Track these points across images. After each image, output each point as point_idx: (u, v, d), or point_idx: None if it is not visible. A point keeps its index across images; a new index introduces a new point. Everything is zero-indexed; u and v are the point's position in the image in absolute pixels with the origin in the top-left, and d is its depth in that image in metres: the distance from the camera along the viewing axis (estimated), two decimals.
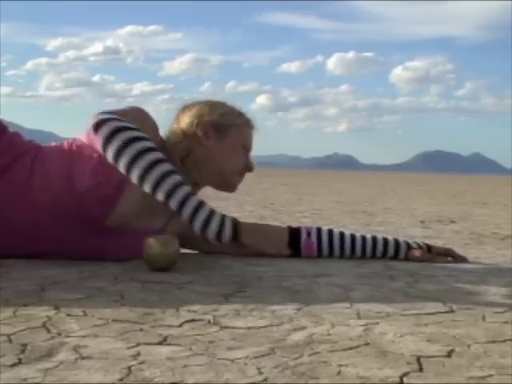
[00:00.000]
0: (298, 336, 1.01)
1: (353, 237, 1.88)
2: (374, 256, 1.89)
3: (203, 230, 1.48)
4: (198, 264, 1.74)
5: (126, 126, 1.53)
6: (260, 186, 9.17)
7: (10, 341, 0.94)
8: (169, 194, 1.48)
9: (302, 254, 1.82)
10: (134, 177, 1.52)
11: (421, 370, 0.86)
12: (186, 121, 1.77)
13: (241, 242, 1.52)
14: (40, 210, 1.61)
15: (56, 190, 1.60)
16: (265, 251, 1.53)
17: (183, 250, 1.82)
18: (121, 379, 0.78)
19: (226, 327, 1.06)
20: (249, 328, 1.06)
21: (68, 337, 0.97)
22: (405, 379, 0.82)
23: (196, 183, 1.75)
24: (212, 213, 1.51)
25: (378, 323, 1.11)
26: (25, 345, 0.92)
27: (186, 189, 1.49)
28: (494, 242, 2.61)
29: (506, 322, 1.15)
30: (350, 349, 0.95)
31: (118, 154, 1.50)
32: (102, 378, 0.79)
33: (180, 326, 1.06)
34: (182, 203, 1.48)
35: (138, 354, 0.89)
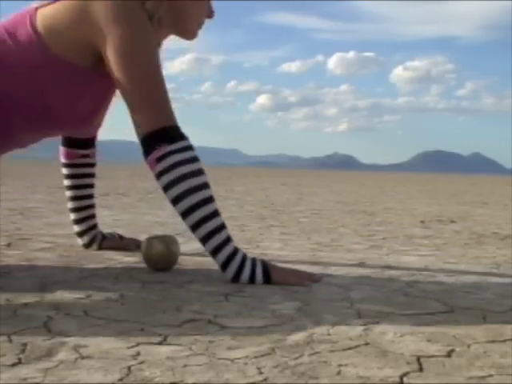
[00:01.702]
0: (298, 336, 1.01)
1: None
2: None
3: (235, 279, 1.47)
4: (198, 263, 1.74)
5: (189, 172, 1.43)
6: (260, 185, 9.18)
7: (10, 341, 0.94)
8: (206, 238, 1.44)
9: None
10: (178, 211, 1.45)
11: (421, 369, 0.86)
12: None
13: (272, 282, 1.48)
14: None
15: (29, 110, 1.50)
16: (291, 283, 1.50)
17: (182, 250, 1.82)
18: (121, 379, 0.78)
19: (226, 327, 1.06)
20: (249, 328, 1.06)
21: (68, 337, 0.97)
22: (405, 379, 0.82)
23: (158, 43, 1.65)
24: (243, 262, 1.47)
25: (378, 323, 1.11)
26: (25, 345, 0.92)
27: (222, 235, 1.45)
28: (494, 241, 2.61)
29: (506, 322, 1.15)
30: (350, 349, 0.95)
31: (173, 201, 1.44)
32: (102, 378, 0.79)
33: (180, 325, 1.06)
34: (217, 250, 1.45)
35: (138, 353, 0.89)
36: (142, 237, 1.86)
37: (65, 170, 1.93)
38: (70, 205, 1.94)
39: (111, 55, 1.43)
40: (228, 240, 1.46)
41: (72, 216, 1.94)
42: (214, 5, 1.69)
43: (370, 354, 0.93)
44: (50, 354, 0.88)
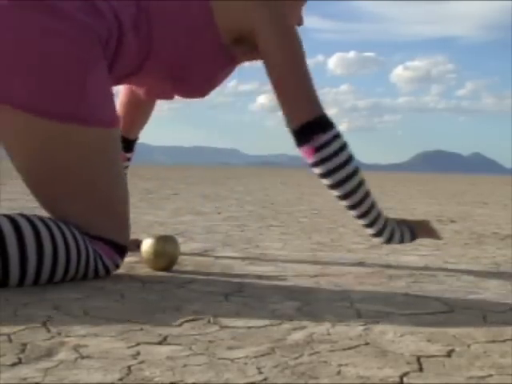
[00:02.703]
0: (298, 336, 1.01)
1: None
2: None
3: (388, 242, 1.71)
4: (197, 263, 1.75)
5: (343, 161, 1.57)
6: (260, 185, 9.17)
7: (10, 340, 0.94)
8: (365, 214, 1.63)
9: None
10: (342, 193, 1.60)
11: (421, 369, 0.86)
12: None
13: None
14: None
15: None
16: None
17: (182, 250, 1.83)
18: (121, 379, 0.78)
19: (226, 327, 1.06)
20: (249, 328, 1.06)
21: (68, 336, 0.97)
22: (405, 379, 0.82)
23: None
24: (393, 229, 1.69)
25: (378, 323, 1.11)
26: (25, 344, 0.92)
27: (376, 209, 1.65)
28: (494, 241, 2.61)
29: (506, 322, 1.15)
30: (350, 348, 0.95)
31: (336, 185, 1.59)
32: (102, 378, 0.79)
33: (180, 325, 1.06)
34: (373, 222, 1.65)
35: (138, 353, 0.89)
36: (142, 237, 1.86)
37: None
38: None
39: (271, 47, 1.53)
40: (381, 213, 1.66)
41: None
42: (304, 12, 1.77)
43: (370, 353, 0.93)
44: (49, 353, 0.88)
